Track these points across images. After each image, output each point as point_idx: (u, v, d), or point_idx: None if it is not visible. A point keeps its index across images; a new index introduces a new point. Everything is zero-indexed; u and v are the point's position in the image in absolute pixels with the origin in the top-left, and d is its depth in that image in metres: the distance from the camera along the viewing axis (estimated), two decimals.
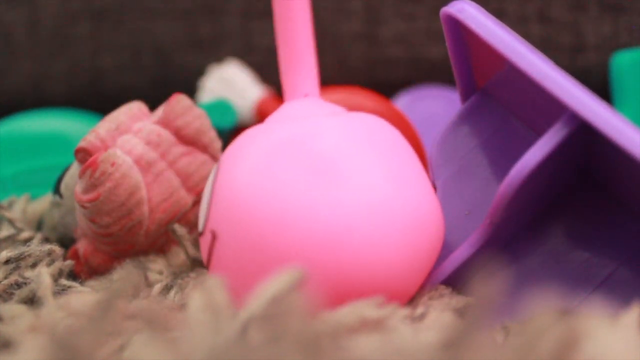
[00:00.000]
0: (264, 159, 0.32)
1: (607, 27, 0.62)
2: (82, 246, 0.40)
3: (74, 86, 0.67)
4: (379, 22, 0.65)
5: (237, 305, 0.29)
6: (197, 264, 0.40)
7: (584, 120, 0.31)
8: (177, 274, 0.39)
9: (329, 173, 0.32)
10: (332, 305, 0.29)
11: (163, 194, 0.40)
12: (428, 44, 0.64)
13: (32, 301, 0.33)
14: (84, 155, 0.39)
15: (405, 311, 0.31)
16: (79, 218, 0.40)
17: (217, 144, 0.42)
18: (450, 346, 0.22)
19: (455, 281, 0.35)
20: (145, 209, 0.39)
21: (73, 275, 0.40)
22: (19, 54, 0.68)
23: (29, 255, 0.36)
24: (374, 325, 0.28)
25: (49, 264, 0.37)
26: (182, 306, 0.33)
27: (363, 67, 0.65)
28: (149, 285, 0.38)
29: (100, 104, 0.60)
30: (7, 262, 0.36)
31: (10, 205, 0.45)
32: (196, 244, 0.40)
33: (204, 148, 0.41)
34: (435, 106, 0.60)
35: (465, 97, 0.40)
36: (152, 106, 0.42)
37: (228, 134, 0.56)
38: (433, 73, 0.63)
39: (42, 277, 0.33)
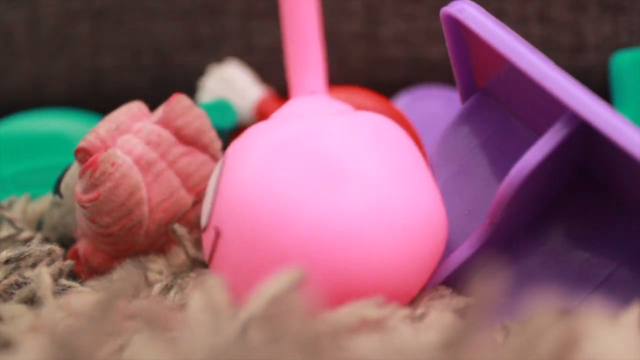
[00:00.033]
0: (270, 156, 0.32)
1: (607, 27, 0.62)
2: (82, 246, 0.40)
3: (74, 86, 0.67)
4: (379, 22, 0.65)
5: (239, 303, 0.29)
6: (197, 264, 0.40)
7: (584, 120, 0.31)
8: (177, 274, 0.39)
9: (334, 172, 0.32)
10: (335, 305, 0.29)
11: (163, 194, 0.40)
12: (428, 44, 0.64)
13: (32, 301, 0.33)
14: (84, 155, 0.39)
15: (405, 311, 0.31)
16: (79, 218, 0.40)
17: (217, 144, 0.42)
18: (450, 346, 0.22)
19: (456, 281, 0.35)
20: (145, 209, 0.39)
21: (73, 275, 0.40)
22: (19, 54, 0.68)
23: (29, 255, 0.36)
24: (374, 325, 0.28)
25: (49, 264, 0.37)
26: (182, 306, 0.33)
27: (363, 67, 0.65)
28: (149, 285, 0.38)
29: (100, 104, 0.60)
30: (7, 262, 0.36)
31: (10, 205, 0.45)
32: (196, 244, 0.40)
33: (204, 148, 0.41)
34: (435, 106, 0.60)
35: (465, 97, 0.40)
36: (152, 106, 0.42)
37: (228, 134, 0.56)
38: (433, 73, 0.63)
39: (42, 277, 0.33)
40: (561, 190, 0.37)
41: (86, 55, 0.67)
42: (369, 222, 0.31)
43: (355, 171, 0.32)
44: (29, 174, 0.54)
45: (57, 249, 0.38)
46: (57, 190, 0.42)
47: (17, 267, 0.36)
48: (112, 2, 0.67)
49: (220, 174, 0.33)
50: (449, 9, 0.36)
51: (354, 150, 0.32)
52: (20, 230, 0.42)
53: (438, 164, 0.39)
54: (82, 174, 0.38)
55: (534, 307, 0.24)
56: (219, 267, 0.33)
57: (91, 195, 0.38)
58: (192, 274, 0.38)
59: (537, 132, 0.37)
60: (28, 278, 0.35)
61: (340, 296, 0.31)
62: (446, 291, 0.34)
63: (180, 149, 0.40)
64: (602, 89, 0.57)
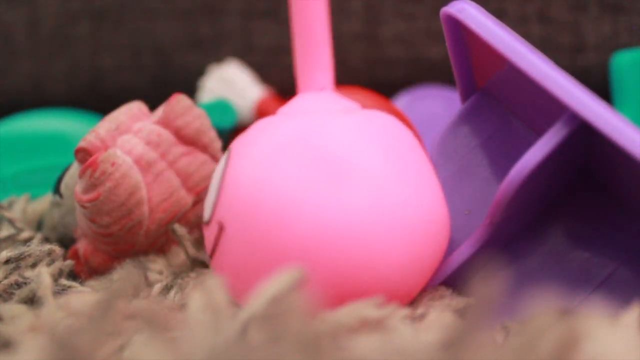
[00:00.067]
0: (276, 153, 0.32)
1: (607, 27, 0.62)
2: (82, 246, 0.40)
3: (74, 86, 0.67)
4: (379, 22, 0.65)
5: (241, 299, 0.29)
6: (197, 264, 0.40)
7: (584, 120, 0.31)
8: (177, 274, 0.39)
9: (340, 170, 0.32)
10: (336, 303, 0.29)
11: (163, 194, 0.40)
12: (428, 44, 0.64)
13: (32, 301, 0.33)
14: (84, 155, 0.39)
15: (405, 311, 0.31)
16: (79, 218, 0.40)
17: (217, 144, 0.42)
18: (450, 346, 0.22)
19: (456, 281, 0.35)
20: (145, 209, 0.39)
21: (73, 275, 0.40)
22: (19, 54, 0.68)
23: (29, 255, 0.36)
24: (374, 325, 0.28)
25: (49, 264, 0.37)
26: (182, 306, 0.33)
27: (363, 67, 0.65)
28: (149, 285, 0.38)
29: (100, 104, 0.60)
30: (7, 262, 0.36)
31: (10, 205, 0.45)
32: (196, 244, 0.40)
33: (204, 148, 0.41)
34: (435, 106, 0.60)
35: (465, 97, 0.40)
36: (152, 106, 0.42)
37: (228, 134, 0.56)
38: (433, 73, 0.63)
39: (42, 277, 0.33)
40: (561, 190, 0.37)
41: (86, 55, 0.67)
42: (373, 219, 0.31)
43: (361, 169, 0.32)
44: (29, 174, 0.54)
45: (57, 249, 0.38)
46: (57, 190, 0.42)
47: (17, 267, 0.36)
48: (112, 2, 0.67)
49: (226, 168, 0.33)
50: (449, 9, 0.36)
51: (360, 149, 0.32)
52: (20, 230, 0.42)
53: (438, 164, 0.39)
54: (82, 174, 0.38)
55: (534, 307, 0.24)
56: (221, 261, 0.33)
57: (91, 195, 0.38)
58: (192, 274, 0.38)
59: (537, 132, 0.37)
60: (28, 278, 0.35)
61: (343, 293, 0.31)
62: (446, 291, 0.34)
63: (180, 149, 0.40)
64: (602, 89, 0.57)
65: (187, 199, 0.41)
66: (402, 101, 0.61)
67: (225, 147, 0.39)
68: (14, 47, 0.67)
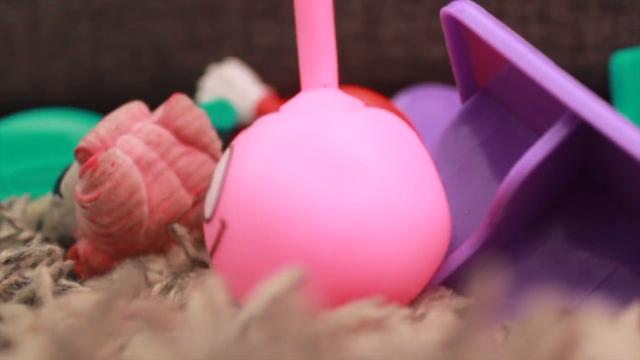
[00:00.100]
0: (280, 149, 0.32)
1: (607, 27, 0.62)
2: (82, 246, 0.40)
3: (74, 86, 0.67)
4: (379, 22, 0.65)
5: (242, 296, 0.29)
6: (197, 264, 0.40)
7: (584, 120, 0.31)
8: (177, 274, 0.39)
9: (343, 168, 0.32)
10: (338, 302, 0.29)
11: (163, 194, 0.40)
12: (428, 44, 0.64)
13: (32, 301, 0.33)
14: (84, 155, 0.39)
15: (405, 311, 0.31)
16: (79, 218, 0.40)
17: (217, 144, 0.42)
18: (450, 346, 0.22)
19: (456, 281, 0.35)
20: (145, 209, 0.39)
21: (73, 275, 0.40)
22: (19, 54, 0.68)
23: (29, 255, 0.36)
24: (374, 325, 0.28)
25: (49, 264, 0.37)
26: (182, 306, 0.33)
27: (363, 67, 0.65)
28: (149, 285, 0.38)
29: (100, 104, 0.60)
30: (7, 262, 0.36)
31: (10, 205, 0.45)
32: (196, 244, 0.40)
33: (204, 148, 0.41)
34: (435, 106, 0.60)
35: (465, 97, 0.40)
36: (152, 106, 0.42)
37: (228, 134, 0.56)
38: (433, 73, 0.63)
39: (42, 277, 0.33)
40: (561, 190, 0.37)
41: (86, 55, 0.67)
42: (377, 217, 0.31)
43: (364, 167, 0.32)
44: (29, 174, 0.54)
45: (57, 249, 0.38)
46: (57, 190, 0.42)
47: (17, 267, 0.36)
48: (112, 2, 0.67)
49: (228, 165, 0.33)
50: (449, 9, 0.36)
51: (364, 146, 0.32)
52: (20, 230, 0.42)
53: (438, 164, 0.39)
54: (82, 174, 0.38)
55: (534, 307, 0.24)
56: (223, 258, 0.33)
57: (91, 195, 0.38)
58: (192, 274, 0.38)
59: (537, 132, 0.37)
60: (28, 278, 0.35)
61: (345, 291, 0.31)
62: (446, 291, 0.34)
63: (180, 149, 0.40)
64: (602, 89, 0.57)
65: (187, 199, 0.41)
66: (402, 101, 0.61)
67: (225, 147, 0.39)
68: (14, 47, 0.67)
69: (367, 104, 0.36)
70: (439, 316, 0.31)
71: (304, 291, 0.25)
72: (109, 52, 0.67)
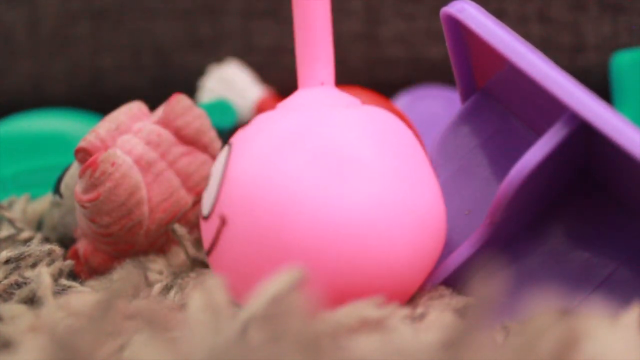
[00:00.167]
0: (280, 146, 0.32)
1: (607, 27, 0.62)
2: (82, 246, 0.40)
3: (74, 86, 0.67)
4: (379, 22, 0.65)
5: (242, 294, 0.29)
6: (197, 264, 0.40)
7: (584, 120, 0.31)
8: (177, 274, 0.39)
9: (342, 165, 0.32)
10: (335, 300, 0.29)
11: (163, 194, 0.40)
12: (428, 44, 0.64)
13: (32, 301, 0.33)
14: (84, 155, 0.39)
15: (405, 311, 0.31)
16: (79, 218, 0.40)
17: (217, 144, 0.42)
18: (450, 346, 0.22)
19: (456, 281, 0.35)
20: (145, 209, 0.39)
21: (73, 275, 0.40)
22: (19, 54, 0.68)
23: (29, 255, 0.36)
24: (374, 325, 0.28)
25: (49, 264, 0.37)
26: (182, 306, 0.33)
27: (363, 67, 0.65)
28: (149, 285, 0.38)
29: (100, 104, 0.60)
30: (7, 262, 0.36)
31: (10, 205, 0.45)
32: (196, 244, 0.40)
33: (204, 148, 0.41)
34: (435, 106, 0.60)
35: (465, 97, 0.40)
36: (152, 106, 0.42)
37: (228, 134, 0.56)
38: (433, 73, 0.63)
39: (42, 277, 0.33)
40: (561, 190, 0.37)
41: (86, 55, 0.67)
42: (376, 214, 0.31)
43: (362, 164, 0.32)
44: (29, 174, 0.54)
45: (57, 249, 0.38)
46: (57, 190, 0.42)
47: (17, 267, 0.36)
48: (112, 2, 0.67)
49: (227, 162, 0.33)
50: (449, 9, 0.36)
51: (361, 144, 0.32)
52: (20, 230, 0.42)
53: (438, 164, 0.39)
54: (82, 174, 0.38)
55: (534, 307, 0.24)
56: (221, 255, 0.33)
57: (91, 195, 0.38)
58: (192, 274, 0.38)
59: (537, 132, 0.37)
60: (28, 278, 0.35)
61: (345, 288, 0.31)
62: (446, 291, 0.34)
63: (180, 149, 0.40)
64: (602, 89, 0.57)
65: (187, 199, 0.41)
66: (402, 101, 0.61)
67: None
68: (14, 47, 0.67)
69: (364, 102, 0.36)
70: (439, 316, 0.31)
71: (304, 291, 0.25)
72: (109, 52, 0.67)
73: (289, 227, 0.31)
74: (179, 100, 0.41)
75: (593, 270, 0.36)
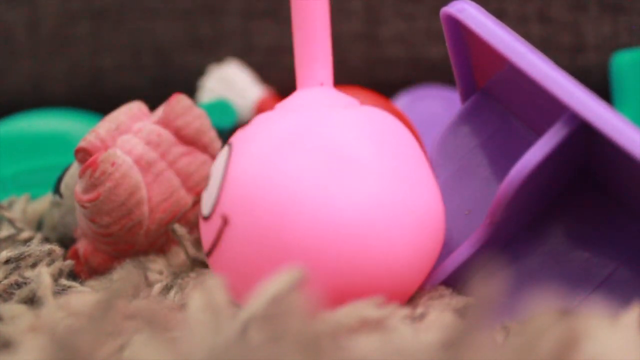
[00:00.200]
0: (283, 147, 0.32)
1: (607, 27, 0.62)
2: (82, 246, 0.40)
3: (74, 86, 0.67)
4: (379, 22, 0.65)
5: (244, 293, 0.29)
6: (197, 264, 0.40)
7: (584, 120, 0.31)
8: (177, 274, 0.39)
9: (342, 165, 0.32)
10: (334, 300, 0.29)
11: (163, 194, 0.40)
12: (428, 44, 0.64)
13: (32, 301, 0.33)
14: (84, 155, 0.39)
15: (405, 311, 0.31)
16: (79, 218, 0.40)
17: (217, 144, 0.42)
18: (450, 346, 0.22)
19: (456, 281, 0.35)
20: (145, 209, 0.39)
21: (73, 275, 0.40)
22: (19, 54, 0.68)
23: (29, 255, 0.36)
24: (374, 325, 0.28)
25: (49, 264, 0.37)
26: (182, 306, 0.33)
27: (363, 67, 0.65)
28: (149, 285, 0.38)
29: (100, 104, 0.60)
30: (7, 262, 0.36)
31: (10, 205, 0.45)
32: (196, 244, 0.40)
33: (204, 148, 0.41)
34: (435, 106, 0.60)
35: (465, 97, 0.40)
36: (152, 106, 0.42)
37: (228, 134, 0.56)
38: (433, 73, 0.63)
39: (42, 277, 0.33)
40: (561, 190, 0.37)
41: (86, 55, 0.67)
42: (374, 214, 0.31)
43: (361, 165, 0.32)
44: (29, 174, 0.54)
45: (57, 249, 0.38)
46: (57, 190, 0.42)
47: (17, 267, 0.36)
48: (112, 2, 0.67)
49: (228, 162, 0.33)
50: (449, 9, 0.36)
51: (361, 144, 0.33)
52: (20, 230, 0.42)
53: (438, 164, 0.39)
54: (82, 174, 0.38)
55: (534, 307, 0.24)
56: (223, 255, 0.33)
57: (91, 195, 0.38)
58: (192, 274, 0.38)
59: (537, 132, 0.37)
60: (28, 278, 0.35)
61: (343, 288, 0.31)
62: (446, 291, 0.34)
63: (180, 149, 0.40)
64: (602, 89, 0.57)
65: (187, 199, 0.41)
66: (402, 101, 0.61)
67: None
68: (14, 47, 0.67)
69: (363, 102, 0.36)
70: (439, 316, 0.31)
71: (304, 291, 0.25)
72: (109, 52, 0.67)
73: (290, 227, 0.31)
74: (179, 100, 0.41)
75: (593, 270, 0.36)
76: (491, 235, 0.35)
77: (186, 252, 0.40)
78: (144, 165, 0.39)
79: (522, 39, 0.34)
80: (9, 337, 0.28)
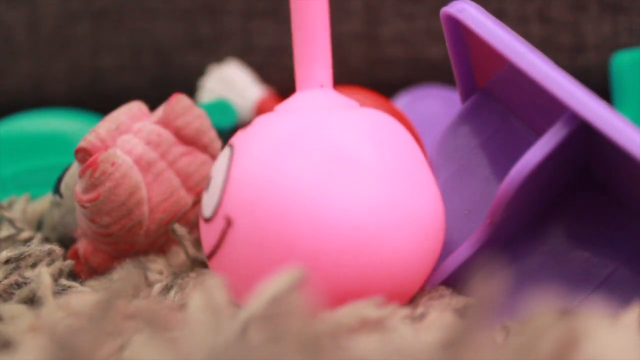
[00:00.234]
0: (286, 148, 0.32)
1: (607, 27, 0.62)
2: (82, 246, 0.40)
3: (74, 86, 0.67)
4: (379, 22, 0.65)
5: (249, 292, 0.29)
6: (197, 264, 0.40)
7: (584, 120, 0.31)
8: (177, 274, 0.39)
9: (344, 166, 0.32)
10: (336, 301, 0.29)
11: (163, 194, 0.40)
12: (428, 44, 0.64)
13: (32, 301, 0.33)
14: (84, 155, 0.39)
15: (405, 311, 0.31)
16: (79, 218, 0.40)
17: (217, 144, 0.42)
18: (450, 346, 0.22)
19: (456, 281, 0.35)
20: (145, 209, 0.39)
21: (73, 275, 0.40)
22: (19, 54, 0.68)
23: (29, 255, 0.36)
24: (374, 325, 0.28)
25: (49, 264, 0.37)
26: (182, 306, 0.33)
27: (363, 67, 0.65)
28: (149, 285, 0.38)
29: (100, 104, 0.60)
30: (7, 262, 0.36)
31: (10, 205, 0.45)
32: (196, 244, 0.40)
33: (204, 148, 0.41)
34: (435, 106, 0.60)
35: (465, 97, 0.40)
36: (152, 106, 0.42)
37: (228, 134, 0.56)
38: (433, 73, 0.63)
39: (42, 277, 0.33)
40: (561, 190, 0.37)
41: (86, 55, 0.67)
42: (375, 215, 0.31)
43: (362, 166, 0.32)
44: (29, 174, 0.54)
45: (57, 249, 0.38)
46: (57, 190, 0.42)
47: (17, 267, 0.36)
48: (112, 2, 0.67)
49: (231, 163, 0.33)
50: (449, 9, 0.36)
51: (361, 146, 0.33)
52: (20, 230, 0.42)
53: (438, 163, 0.39)
54: (82, 174, 0.38)
55: (534, 307, 0.24)
56: (226, 256, 0.33)
57: (91, 195, 0.38)
58: (192, 274, 0.38)
59: (537, 132, 0.37)
60: (28, 278, 0.35)
61: (344, 289, 0.31)
62: (446, 291, 0.34)
63: (180, 149, 0.40)
64: (602, 89, 0.57)
65: (187, 199, 0.41)
66: (402, 101, 0.61)
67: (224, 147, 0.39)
68: (14, 47, 0.67)
69: (362, 104, 0.36)
70: (439, 316, 0.31)
71: (304, 291, 0.25)
72: (109, 52, 0.67)
73: (295, 228, 0.31)
74: (179, 100, 0.41)
75: (593, 270, 0.36)
76: (491, 235, 0.35)
77: (186, 252, 0.40)
78: (144, 165, 0.39)
79: (522, 39, 0.34)
80: (9, 337, 0.28)
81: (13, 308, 0.31)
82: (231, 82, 0.61)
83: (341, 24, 0.64)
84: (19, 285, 0.35)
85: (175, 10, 0.66)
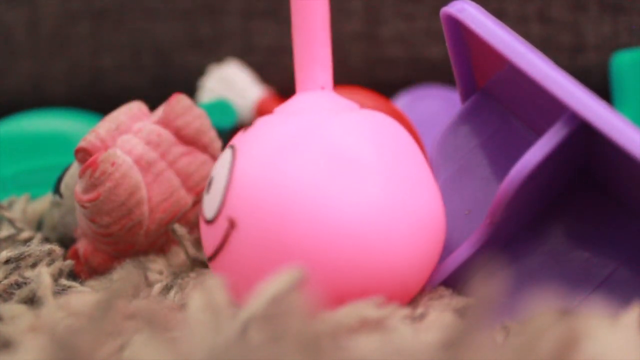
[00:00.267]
0: (287, 149, 0.32)
1: (607, 27, 0.62)
2: (82, 246, 0.40)
3: (74, 86, 0.67)
4: (379, 22, 0.65)
5: (252, 293, 0.29)
6: (197, 264, 0.40)
7: (584, 120, 0.31)
8: (177, 274, 0.39)
9: (342, 170, 0.32)
10: (335, 301, 0.29)
11: (163, 194, 0.40)
12: (428, 44, 0.64)
13: (32, 301, 0.33)
14: (84, 155, 0.39)
15: (405, 311, 0.31)
16: (79, 218, 0.40)
17: (217, 144, 0.42)
18: (450, 346, 0.22)
19: (456, 281, 0.35)
20: (145, 209, 0.39)
21: (73, 275, 0.40)
22: (19, 54, 0.68)
23: (29, 255, 0.36)
24: (374, 325, 0.28)
25: (49, 264, 0.37)
26: (182, 306, 0.33)
27: (363, 67, 0.65)
28: (149, 285, 0.38)
29: (100, 104, 0.60)
30: (7, 262, 0.36)
31: (10, 205, 0.45)
32: (196, 244, 0.40)
33: (204, 148, 0.41)
34: (435, 106, 0.60)
35: (465, 97, 0.40)
36: (152, 106, 0.42)
37: (228, 134, 0.56)
38: (433, 73, 0.63)
39: (42, 277, 0.33)
40: (561, 190, 0.37)
41: (86, 55, 0.67)
42: (376, 216, 0.32)
43: (363, 167, 0.32)
44: (29, 174, 0.54)
45: (57, 249, 0.38)
46: (57, 190, 0.42)
47: (17, 267, 0.36)
48: (112, 2, 0.67)
49: (233, 165, 0.33)
50: (449, 9, 0.36)
51: (362, 147, 0.33)
52: (20, 230, 0.42)
53: (438, 163, 0.39)
54: (82, 174, 0.38)
55: (534, 307, 0.24)
56: (230, 258, 0.33)
57: (91, 195, 0.38)
58: (192, 274, 0.38)
59: (537, 132, 0.37)
60: (28, 278, 0.35)
61: (344, 289, 0.31)
62: (446, 291, 0.34)
63: (180, 149, 0.40)
64: (602, 89, 0.57)
65: (187, 199, 0.41)
66: (402, 101, 0.61)
67: (225, 147, 0.39)
68: (14, 47, 0.67)
69: (363, 106, 0.36)
70: (439, 316, 0.31)
71: (304, 291, 0.25)
72: (109, 52, 0.67)
73: (298, 229, 0.31)
74: (179, 100, 0.41)
75: (593, 270, 0.36)
76: (491, 235, 0.35)
77: (186, 252, 0.40)
78: (144, 165, 0.39)
79: (522, 39, 0.34)
80: (9, 337, 0.28)
81: (13, 308, 0.31)
82: (231, 82, 0.61)
83: (341, 24, 0.64)
84: (19, 285, 0.35)
85: (175, 10, 0.66)
